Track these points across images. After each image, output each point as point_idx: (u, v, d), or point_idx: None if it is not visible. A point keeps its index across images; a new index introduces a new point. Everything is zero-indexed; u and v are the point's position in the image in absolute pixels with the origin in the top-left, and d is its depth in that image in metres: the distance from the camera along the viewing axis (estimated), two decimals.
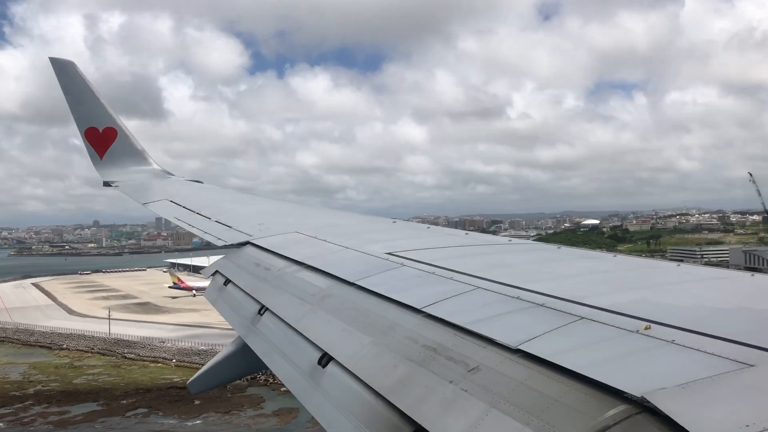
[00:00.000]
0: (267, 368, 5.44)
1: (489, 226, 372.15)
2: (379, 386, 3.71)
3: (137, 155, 16.49)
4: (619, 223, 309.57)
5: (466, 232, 7.84)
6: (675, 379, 2.71)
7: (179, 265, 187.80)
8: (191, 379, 7.11)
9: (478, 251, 6.59)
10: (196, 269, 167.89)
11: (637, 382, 2.74)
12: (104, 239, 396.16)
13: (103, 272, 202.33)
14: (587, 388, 2.86)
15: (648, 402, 2.58)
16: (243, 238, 8.68)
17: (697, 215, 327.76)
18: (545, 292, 4.21)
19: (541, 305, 4.01)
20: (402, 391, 3.54)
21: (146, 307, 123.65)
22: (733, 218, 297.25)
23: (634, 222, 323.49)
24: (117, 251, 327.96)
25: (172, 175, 16.74)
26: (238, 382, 71.47)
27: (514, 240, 7.30)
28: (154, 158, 16.99)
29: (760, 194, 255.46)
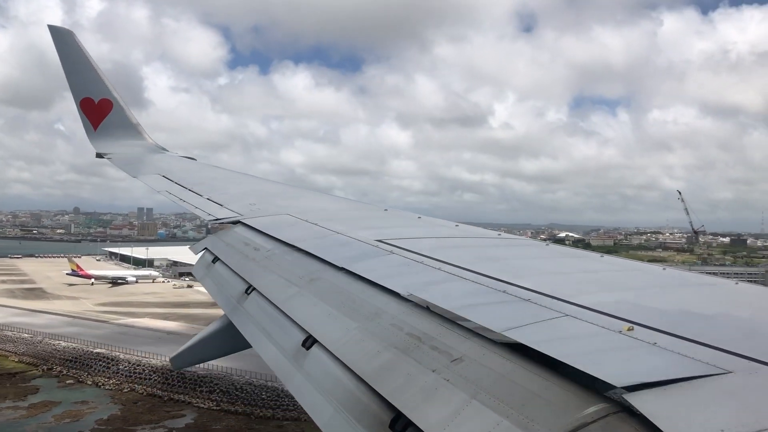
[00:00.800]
0: (251, 347, 5.44)
1: None
2: (361, 371, 3.73)
3: (132, 129, 16.38)
4: (582, 237, 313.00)
5: (457, 224, 7.85)
6: (654, 380, 2.74)
7: (113, 253, 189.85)
8: (174, 354, 7.09)
9: (467, 243, 6.62)
10: (124, 259, 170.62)
11: (618, 378, 2.77)
12: (72, 226, 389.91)
13: (36, 257, 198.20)
14: (568, 385, 2.90)
15: (626, 402, 2.61)
16: (234, 217, 8.65)
17: (669, 234, 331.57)
18: (531, 288, 4.24)
19: (527, 300, 4.04)
20: (384, 378, 3.56)
21: (31, 292, 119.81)
22: (702, 239, 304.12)
23: (600, 236, 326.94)
24: (78, 238, 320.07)
25: (166, 150, 16.61)
26: (32, 371, 71.66)
27: (504, 234, 7.34)
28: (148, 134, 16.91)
29: (688, 213, 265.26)
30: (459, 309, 3.89)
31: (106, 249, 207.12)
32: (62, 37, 15.42)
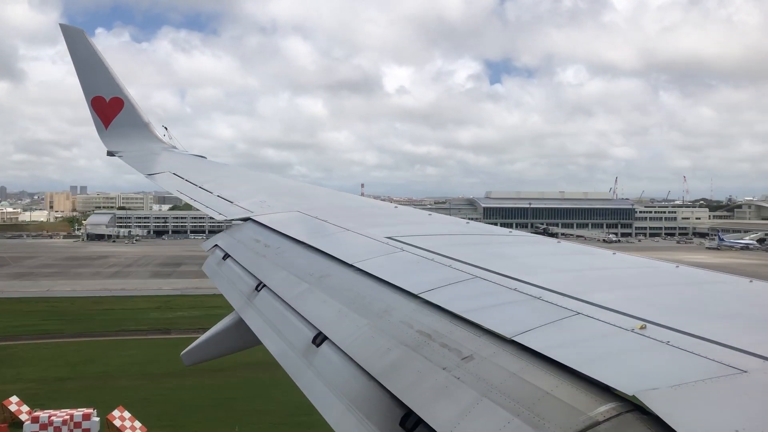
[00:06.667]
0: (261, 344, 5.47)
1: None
2: (371, 368, 3.73)
3: (143, 127, 16.63)
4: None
5: (467, 220, 7.87)
6: (667, 380, 2.71)
7: None
8: (185, 351, 7.13)
9: (478, 240, 6.61)
10: None
11: (630, 381, 2.74)
12: None
13: None
14: (579, 383, 2.87)
15: (639, 401, 2.59)
16: (244, 214, 8.69)
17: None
18: (543, 285, 4.21)
19: (538, 298, 4.02)
20: (394, 375, 3.56)
21: None
22: None
23: None
24: None
25: (176, 148, 16.86)
26: None
27: (514, 231, 7.33)
28: (157, 131, 17.12)
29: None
30: (469, 312, 3.87)
31: None
32: (73, 36, 15.57)
